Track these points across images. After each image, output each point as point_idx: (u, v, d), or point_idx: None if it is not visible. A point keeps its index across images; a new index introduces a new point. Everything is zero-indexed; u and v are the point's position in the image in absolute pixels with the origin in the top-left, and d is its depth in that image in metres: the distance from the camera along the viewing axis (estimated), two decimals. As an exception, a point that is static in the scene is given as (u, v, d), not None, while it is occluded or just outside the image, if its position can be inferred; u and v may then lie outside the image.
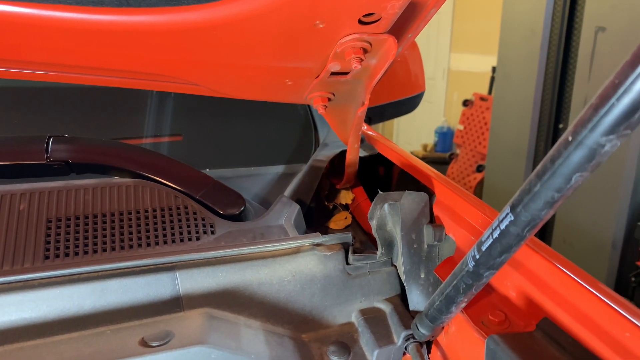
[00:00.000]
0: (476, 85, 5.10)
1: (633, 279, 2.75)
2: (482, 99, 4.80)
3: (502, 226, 0.51)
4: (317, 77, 0.83)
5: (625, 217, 2.84)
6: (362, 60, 0.73)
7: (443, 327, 0.74)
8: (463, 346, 0.69)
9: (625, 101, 0.36)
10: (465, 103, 4.94)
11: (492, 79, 4.70)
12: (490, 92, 4.83)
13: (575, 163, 0.41)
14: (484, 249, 0.54)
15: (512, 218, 0.49)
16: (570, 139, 0.41)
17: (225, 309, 0.79)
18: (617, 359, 0.52)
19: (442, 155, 5.38)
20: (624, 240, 2.92)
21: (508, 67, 3.79)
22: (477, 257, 0.55)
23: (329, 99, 0.92)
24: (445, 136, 5.53)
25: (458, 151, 5.05)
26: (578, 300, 0.59)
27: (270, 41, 0.73)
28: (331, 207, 1.21)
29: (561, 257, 0.65)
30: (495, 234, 0.52)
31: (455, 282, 0.60)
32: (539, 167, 0.45)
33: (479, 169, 4.59)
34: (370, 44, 0.73)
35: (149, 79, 0.91)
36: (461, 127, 4.98)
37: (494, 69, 4.57)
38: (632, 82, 0.35)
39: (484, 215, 0.77)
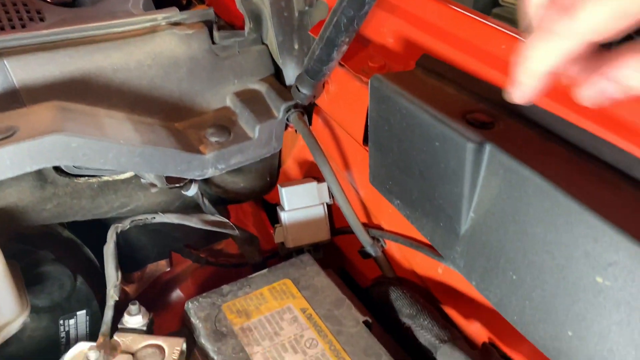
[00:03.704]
0: None
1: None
2: None
3: None
4: None
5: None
6: None
7: (324, 86, 0.71)
8: (345, 100, 0.68)
9: None
10: None
11: None
12: None
13: None
14: (365, -34, 0.49)
15: None
16: None
17: (79, 101, 0.68)
18: (493, 71, 0.53)
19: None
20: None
21: None
22: (359, -20, 0.51)
23: None
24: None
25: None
26: (455, 29, 0.58)
27: None
28: (185, 2, 1.07)
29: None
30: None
31: (335, 19, 0.56)
32: None
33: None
34: None
35: None
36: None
37: None
38: None
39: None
